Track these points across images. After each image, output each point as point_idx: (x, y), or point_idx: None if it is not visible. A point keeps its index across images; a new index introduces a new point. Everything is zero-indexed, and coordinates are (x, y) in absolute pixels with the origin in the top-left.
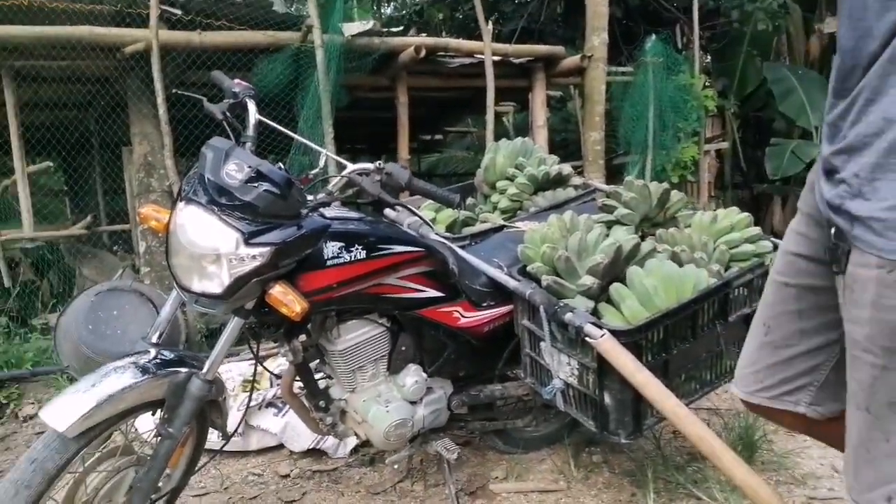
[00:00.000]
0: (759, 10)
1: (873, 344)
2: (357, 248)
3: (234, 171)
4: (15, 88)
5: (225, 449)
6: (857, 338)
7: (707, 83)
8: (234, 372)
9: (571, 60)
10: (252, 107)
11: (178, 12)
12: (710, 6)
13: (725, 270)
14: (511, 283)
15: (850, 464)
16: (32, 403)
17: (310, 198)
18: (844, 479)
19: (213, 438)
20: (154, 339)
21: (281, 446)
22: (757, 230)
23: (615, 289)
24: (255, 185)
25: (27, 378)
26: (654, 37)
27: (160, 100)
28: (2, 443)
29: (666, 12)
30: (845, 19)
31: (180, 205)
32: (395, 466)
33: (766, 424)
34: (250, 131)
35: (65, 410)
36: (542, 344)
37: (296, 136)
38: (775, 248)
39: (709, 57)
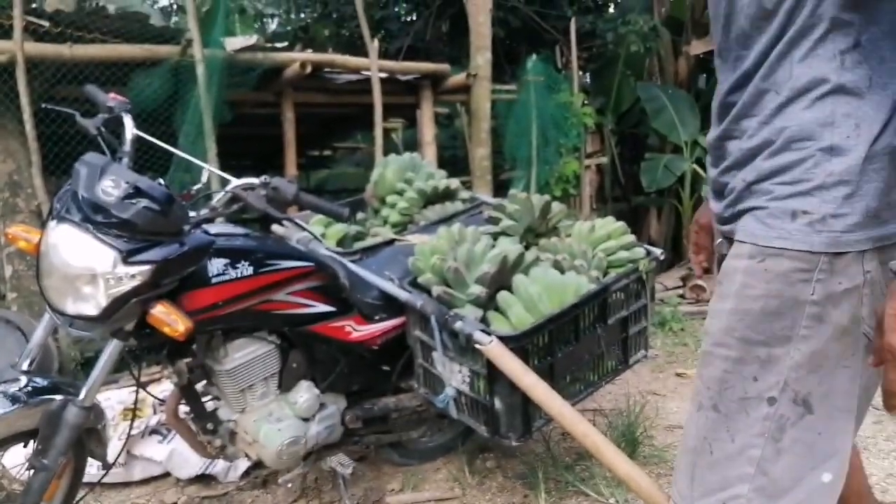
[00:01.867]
0: (632, 33)
1: (729, 336)
2: (244, 265)
3: (111, 187)
4: None
5: (105, 480)
6: (712, 331)
7: (585, 101)
8: (113, 400)
9: (457, 78)
10: (129, 121)
11: (46, 24)
12: (587, 28)
13: (604, 276)
14: (402, 295)
15: (686, 469)
16: None
17: (192, 214)
18: (674, 487)
19: (93, 470)
20: (25, 367)
21: (167, 474)
22: (632, 238)
23: (502, 297)
24: (134, 201)
25: None
26: (535, 56)
27: (27, 115)
28: None
29: (546, 33)
30: (721, 41)
31: (52, 224)
32: (289, 486)
33: (646, 420)
34: (127, 147)
35: None
36: (435, 353)
37: (176, 152)
38: (648, 254)
39: (587, 76)
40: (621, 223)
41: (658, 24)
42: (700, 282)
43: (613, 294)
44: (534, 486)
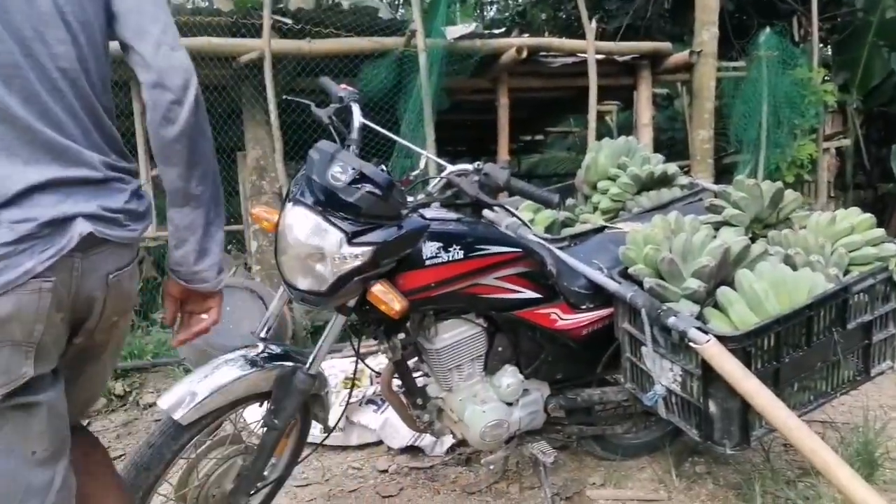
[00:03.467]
0: None
1: None
2: (455, 248)
3: (339, 172)
4: (140, 97)
5: (326, 442)
6: None
7: (827, 77)
8: (336, 368)
9: (679, 56)
10: (356, 110)
11: (289, 22)
12: None
13: (844, 275)
14: (611, 286)
15: None
16: (152, 392)
17: (410, 199)
18: None
19: (316, 432)
20: (262, 334)
21: (380, 442)
22: (880, 232)
23: (722, 293)
24: (359, 186)
25: (148, 368)
26: (768, 30)
27: (272, 106)
28: (125, 428)
29: (782, 3)
30: None
31: (288, 205)
32: (491, 467)
33: (888, 441)
34: (354, 134)
35: (180, 400)
36: (644, 348)
37: (398, 139)
38: None
39: (829, 49)
40: (868, 215)
41: None
42: None
43: (855, 296)
44: (749, 498)
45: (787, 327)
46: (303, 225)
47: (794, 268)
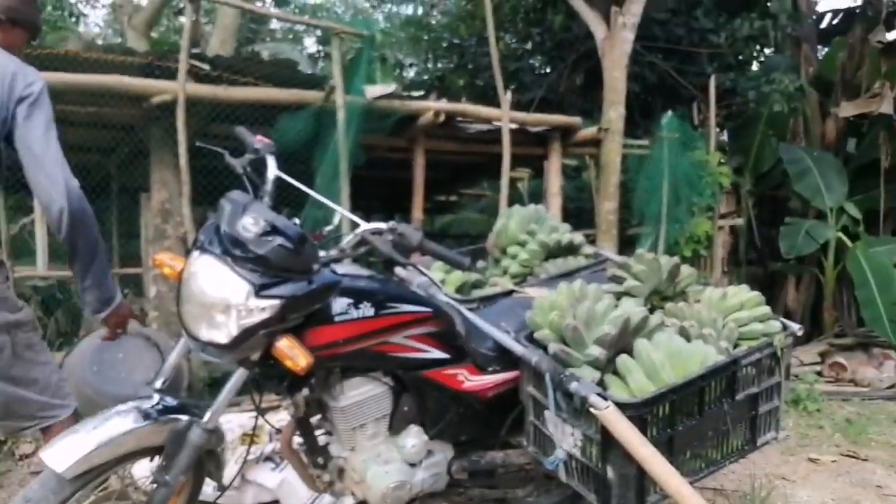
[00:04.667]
0: (776, 92)
1: None
2: (365, 305)
3: (251, 224)
4: None
5: (219, 502)
6: None
7: (722, 160)
8: (233, 423)
9: (588, 132)
10: (272, 163)
11: (207, 67)
12: (727, 86)
13: (734, 348)
14: (518, 349)
15: None
16: (30, 442)
17: (322, 254)
18: None
19: (208, 490)
20: (158, 385)
21: (276, 502)
22: (766, 309)
23: (622, 361)
24: (270, 238)
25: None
26: (670, 113)
27: (182, 149)
28: None
29: (683, 89)
30: None
31: (195, 253)
32: None
33: None
34: (268, 186)
35: (65, 452)
36: (547, 412)
37: (313, 194)
38: (785, 328)
39: (725, 134)
40: (756, 293)
41: (805, 83)
42: (840, 359)
43: (744, 368)
44: None
45: (682, 396)
46: (209, 274)
47: (689, 339)
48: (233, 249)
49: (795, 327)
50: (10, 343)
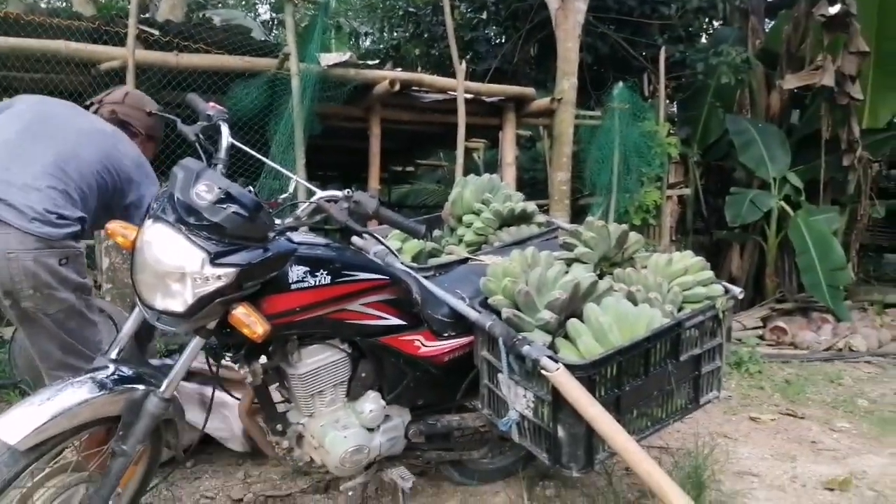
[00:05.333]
0: (723, 64)
1: None
2: (322, 274)
3: (204, 191)
4: None
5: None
6: None
7: (671, 131)
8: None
9: (542, 102)
10: (225, 130)
11: (156, 33)
12: (677, 58)
13: (678, 311)
14: (472, 315)
15: None
16: None
17: (278, 222)
18: None
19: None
20: (113, 356)
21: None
22: (710, 274)
23: (572, 324)
24: (224, 206)
25: None
26: (621, 84)
27: None
28: None
29: (634, 61)
30: None
31: (148, 222)
32: (350, 493)
33: (715, 465)
34: (222, 154)
35: (17, 423)
36: (500, 376)
37: (267, 161)
38: (727, 291)
39: (674, 106)
40: (699, 258)
41: (751, 56)
42: (781, 323)
43: (687, 330)
44: None
45: (628, 358)
46: (163, 243)
47: (636, 303)
48: (187, 217)
49: (737, 291)
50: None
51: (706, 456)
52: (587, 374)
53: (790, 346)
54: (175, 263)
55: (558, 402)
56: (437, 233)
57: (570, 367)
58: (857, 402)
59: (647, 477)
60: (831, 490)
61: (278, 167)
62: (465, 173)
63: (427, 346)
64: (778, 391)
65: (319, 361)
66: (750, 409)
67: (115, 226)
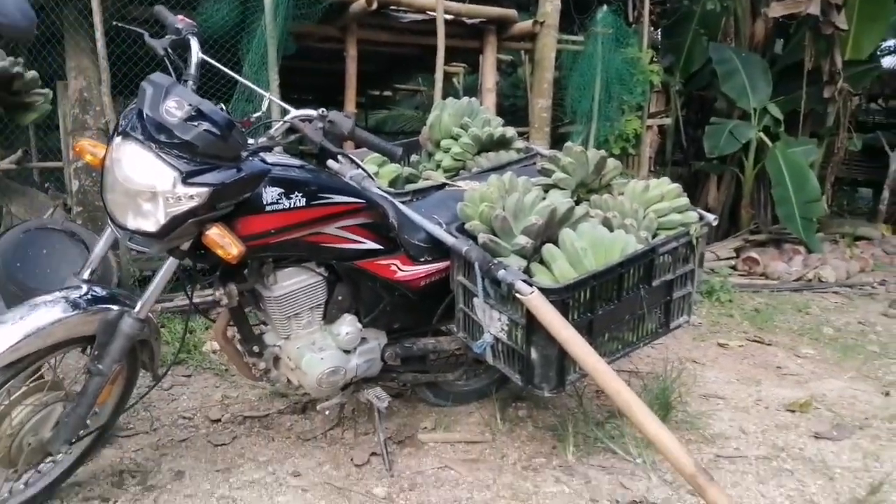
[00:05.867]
0: None
1: None
2: (297, 196)
3: (174, 108)
4: None
5: None
6: None
7: (654, 58)
8: None
9: (524, 25)
10: (195, 45)
11: None
12: None
13: (653, 237)
14: (448, 240)
15: None
16: None
17: (251, 142)
18: None
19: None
20: (86, 276)
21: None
22: (685, 201)
23: (547, 249)
24: (195, 123)
25: None
26: (605, 8)
27: (99, 33)
28: None
29: None
30: None
31: (117, 140)
32: (327, 413)
33: (682, 388)
34: (192, 70)
35: None
36: (476, 300)
37: (239, 78)
38: (701, 218)
39: (658, 33)
40: (676, 185)
41: None
42: (753, 254)
43: (661, 256)
44: (563, 438)
45: (602, 282)
46: (133, 161)
47: (611, 229)
48: (157, 135)
49: (711, 217)
50: None
51: (674, 379)
52: (561, 297)
53: (761, 277)
54: (146, 182)
55: (532, 325)
56: (414, 158)
57: (545, 291)
58: (823, 330)
59: (616, 396)
60: (792, 412)
61: (252, 85)
62: (444, 98)
63: (403, 270)
64: (747, 319)
65: (295, 284)
66: (719, 336)
67: (83, 143)
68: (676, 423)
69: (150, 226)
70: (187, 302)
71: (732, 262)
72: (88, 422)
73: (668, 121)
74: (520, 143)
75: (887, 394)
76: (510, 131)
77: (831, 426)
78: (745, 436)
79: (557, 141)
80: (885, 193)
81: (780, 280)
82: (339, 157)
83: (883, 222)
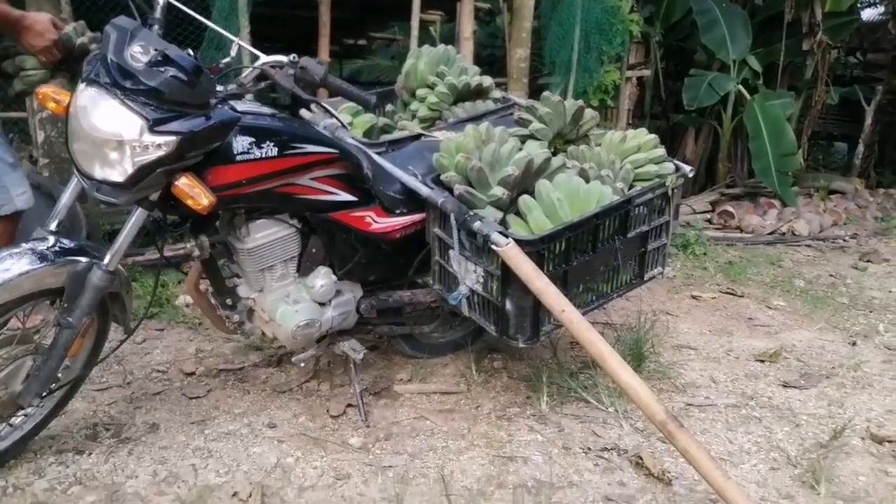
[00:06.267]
0: None
1: None
2: (268, 145)
3: (140, 53)
4: None
5: None
6: None
7: (634, 7)
8: None
9: None
10: None
11: None
12: None
13: (629, 188)
14: (424, 191)
15: None
16: None
17: (220, 89)
18: None
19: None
20: (53, 227)
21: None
22: (662, 151)
23: (523, 201)
24: (162, 69)
25: None
26: None
27: None
28: None
29: None
30: None
31: (81, 86)
32: (302, 366)
33: (655, 338)
34: (158, 13)
35: None
36: (451, 251)
37: (207, 22)
38: (677, 170)
39: None
40: (653, 136)
41: None
42: (729, 207)
43: (636, 208)
44: (537, 388)
45: (577, 234)
46: (98, 108)
47: (587, 180)
48: (122, 81)
49: (687, 169)
50: None
51: (647, 330)
52: (536, 249)
53: (736, 230)
54: (111, 130)
55: (507, 276)
56: (389, 108)
57: (520, 243)
58: (794, 283)
59: (589, 345)
60: (762, 362)
61: (221, 30)
62: (420, 47)
63: (378, 222)
64: (721, 272)
65: (268, 236)
66: (692, 289)
67: (46, 90)
68: (649, 373)
69: (117, 175)
70: (158, 255)
71: (708, 216)
72: (60, 375)
73: (647, 72)
74: (497, 93)
75: (854, 344)
76: (487, 80)
77: (799, 375)
78: (716, 385)
79: (536, 92)
80: (860, 148)
81: (755, 233)
82: (312, 105)
83: (857, 176)
